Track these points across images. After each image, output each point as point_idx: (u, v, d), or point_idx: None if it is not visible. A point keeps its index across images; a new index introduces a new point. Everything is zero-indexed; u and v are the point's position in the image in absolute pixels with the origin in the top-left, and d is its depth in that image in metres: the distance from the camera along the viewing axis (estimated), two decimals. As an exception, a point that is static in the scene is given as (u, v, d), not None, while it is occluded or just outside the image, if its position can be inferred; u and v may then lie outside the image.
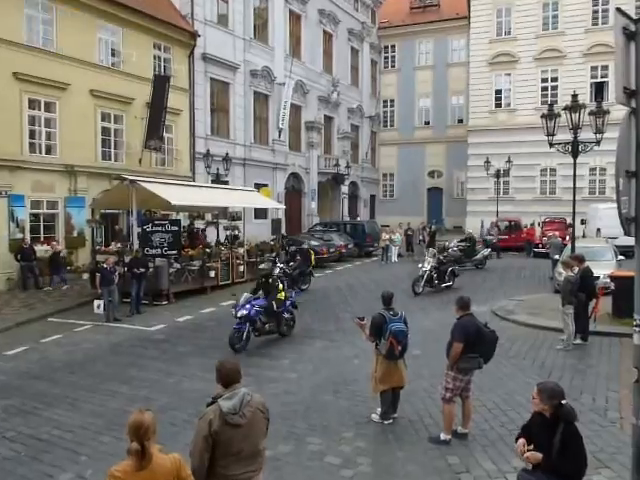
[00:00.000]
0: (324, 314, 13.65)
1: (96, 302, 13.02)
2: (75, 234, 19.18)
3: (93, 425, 7.07)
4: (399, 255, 26.06)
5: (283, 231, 27.24)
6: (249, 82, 28.85)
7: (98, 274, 13.41)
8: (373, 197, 44.58)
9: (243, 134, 28.49)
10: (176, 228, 15.61)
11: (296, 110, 33.55)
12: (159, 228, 15.24)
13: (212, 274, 17.03)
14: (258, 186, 27.06)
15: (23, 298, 15.68)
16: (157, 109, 21.26)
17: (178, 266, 16.11)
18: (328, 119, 37.30)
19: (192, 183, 21.57)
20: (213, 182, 24.03)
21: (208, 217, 22.42)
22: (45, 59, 18.22)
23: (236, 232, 19.77)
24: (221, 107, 27.67)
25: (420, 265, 16.37)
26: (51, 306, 14.60)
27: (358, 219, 36.72)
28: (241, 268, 18.63)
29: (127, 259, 14.79)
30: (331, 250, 23.49)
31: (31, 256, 16.81)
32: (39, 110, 18.36)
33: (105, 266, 13.41)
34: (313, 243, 23.01)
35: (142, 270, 14.05)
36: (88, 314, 13.60)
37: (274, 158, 30.85)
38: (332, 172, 35.14)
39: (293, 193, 33.53)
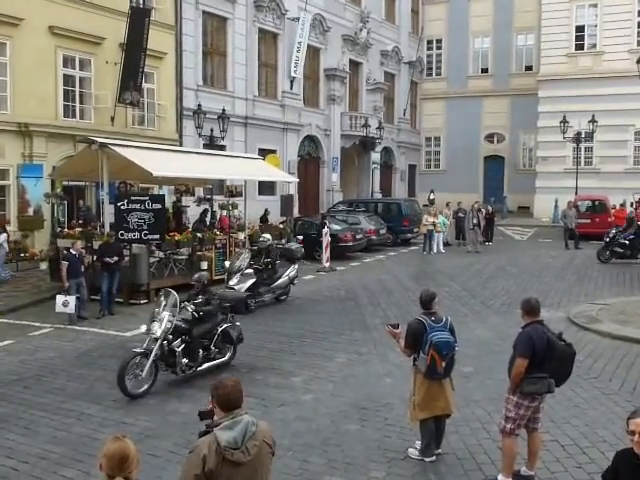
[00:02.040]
0: (348, 319, 13.73)
1: (60, 298, 13.21)
2: (30, 212, 19.49)
3: (54, 454, 7.21)
4: (446, 244, 26.01)
5: (296, 211, 27.32)
6: (253, 17, 28.82)
7: (65, 262, 13.58)
8: (413, 168, 44.50)
9: (245, 85, 28.53)
10: (159, 206, 15.75)
11: (314, 54, 33.47)
12: (137, 206, 15.39)
13: (204, 265, 17.16)
14: (264, 152, 27.15)
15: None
16: (134, 52, 21.36)
17: (161, 255, 16.25)
18: (355, 65, 37.18)
19: (179, 148, 21.72)
20: (206, 147, 24.19)
21: (199, 192, 22.55)
22: (-8, -13, 18.43)
23: (236, 212, 19.88)
24: (217, 50, 27.70)
25: (145, 328, 9.72)
26: (0, 303, 14.88)
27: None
28: (241, 258, 18.76)
29: (96, 245, 14.95)
30: (357, 237, 23.54)
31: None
32: (-16, 53, 18.66)
33: (73, 252, 13.64)
34: (334, 227, 23.06)
35: (115, 259, 14.23)
36: (47, 314, 13.83)
37: (284, 116, 30.85)
38: (359, 135, 35.10)
39: (309, 162, 33.57)
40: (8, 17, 18.90)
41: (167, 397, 9.00)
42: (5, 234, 17.28)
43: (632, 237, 19.92)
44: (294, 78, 31.05)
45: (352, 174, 37.36)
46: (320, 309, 14.84)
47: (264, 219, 22.99)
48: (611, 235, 20.10)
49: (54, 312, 13.44)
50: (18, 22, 19.08)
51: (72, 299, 13.16)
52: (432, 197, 35.87)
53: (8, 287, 16.76)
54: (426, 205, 31.84)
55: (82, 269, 13.77)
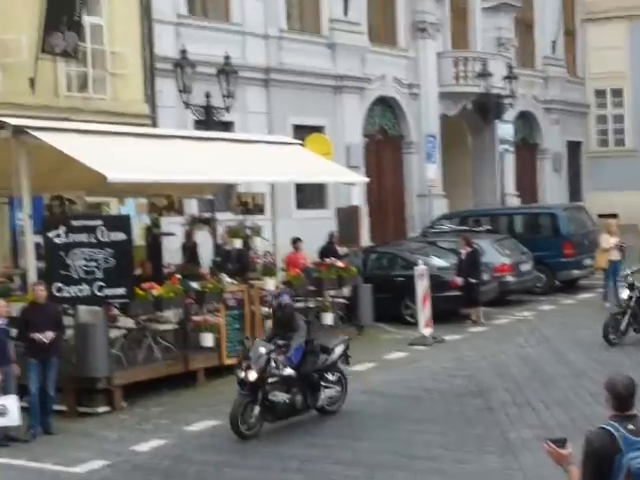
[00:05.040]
0: (473, 432, 13.76)
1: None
2: None
3: None
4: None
5: (365, 234, 27.36)
6: None
7: None
8: (575, 147, 44.22)
9: (262, 12, 29.01)
10: (122, 236, 15.93)
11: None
12: (83, 237, 15.58)
13: (208, 341, 17.35)
14: (302, 132, 27.47)
15: None
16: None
17: (130, 324, 16.43)
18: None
19: (152, 130, 22.16)
20: (199, 126, 24.60)
21: (191, 208, 22.75)
22: None
23: (258, 242, 20.03)
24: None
25: None
26: None
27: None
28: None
29: (15, 310, 15.23)
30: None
31: None
32: None
33: None
34: (435, 262, 23.22)
35: (50, 335, 14.45)
36: None
37: (335, 65, 31.12)
38: (473, 92, 35.39)
39: (383, 145, 33.84)
40: None
41: None
42: None
43: None
44: (351, -4, 31.40)
45: (463, 164, 37.35)
46: (420, 414, 14.89)
47: (328, 251, 23.19)
48: None
49: None
50: None
51: (11, 401, 13.57)
52: None
53: None
54: (604, 216, 31.59)
55: (11, 349, 14.24)
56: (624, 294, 19.50)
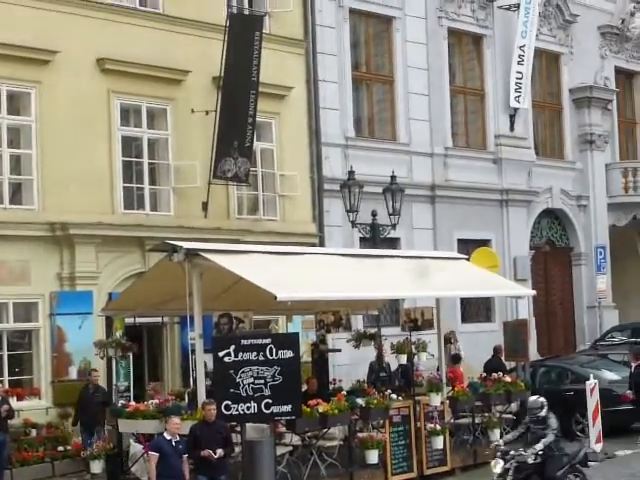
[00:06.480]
0: None
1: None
2: (73, 374, 20.48)
3: None
4: None
5: (533, 348, 26.95)
6: (437, 9, 29.76)
7: (154, 454, 14.27)
8: None
9: (428, 130, 29.43)
10: (289, 354, 16.01)
11: (549, 64, 34.30)
12: (252, 356, 15.67)
13: (373, 457, 17.11)
14: (467, 246, 27.65)
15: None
16: (238, 91, 22.56)
17: (296, 441, 16.42)
18: (627, 77, 37.50)
19: (320, 250, 22.61)
20: (364, 243, 24.93)
21: (357, 324, 22.82)
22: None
23: (424, 357, 19.90)
24: (376, 73, 29.09)
25: None
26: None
27: None
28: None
29: (185, 427, 15.42)
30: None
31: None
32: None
33: (167, 437, 14.43)
34: (606, 376, 22.86)
35: (220, 452, 14.58)
36: None
37: (502, 180, 31.22)
38: (644, 203, 34.73)
39: (551, 257, 33.55)
40: (35, 51, 20.52)
41: None
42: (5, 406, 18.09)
43: None
44: (516, 110, 31.49)
45: (634, 274, 36.66)
46: None
47: (494, 365, 22.91)
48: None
49: None
50: (49, 57, 20.74)
51: None
52: None
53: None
54: None
55: (186, 468, 14.44)
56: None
